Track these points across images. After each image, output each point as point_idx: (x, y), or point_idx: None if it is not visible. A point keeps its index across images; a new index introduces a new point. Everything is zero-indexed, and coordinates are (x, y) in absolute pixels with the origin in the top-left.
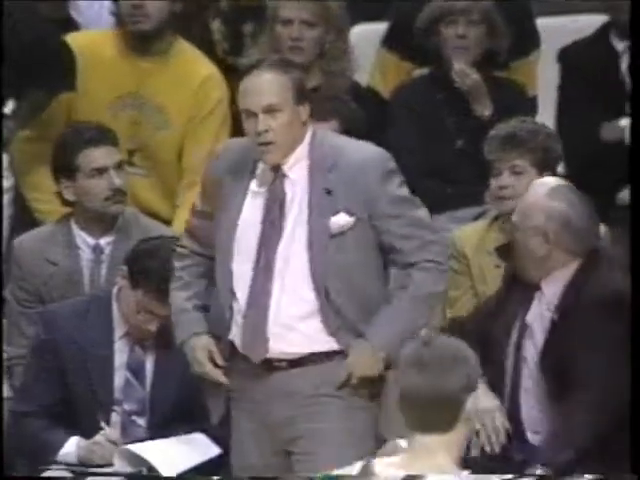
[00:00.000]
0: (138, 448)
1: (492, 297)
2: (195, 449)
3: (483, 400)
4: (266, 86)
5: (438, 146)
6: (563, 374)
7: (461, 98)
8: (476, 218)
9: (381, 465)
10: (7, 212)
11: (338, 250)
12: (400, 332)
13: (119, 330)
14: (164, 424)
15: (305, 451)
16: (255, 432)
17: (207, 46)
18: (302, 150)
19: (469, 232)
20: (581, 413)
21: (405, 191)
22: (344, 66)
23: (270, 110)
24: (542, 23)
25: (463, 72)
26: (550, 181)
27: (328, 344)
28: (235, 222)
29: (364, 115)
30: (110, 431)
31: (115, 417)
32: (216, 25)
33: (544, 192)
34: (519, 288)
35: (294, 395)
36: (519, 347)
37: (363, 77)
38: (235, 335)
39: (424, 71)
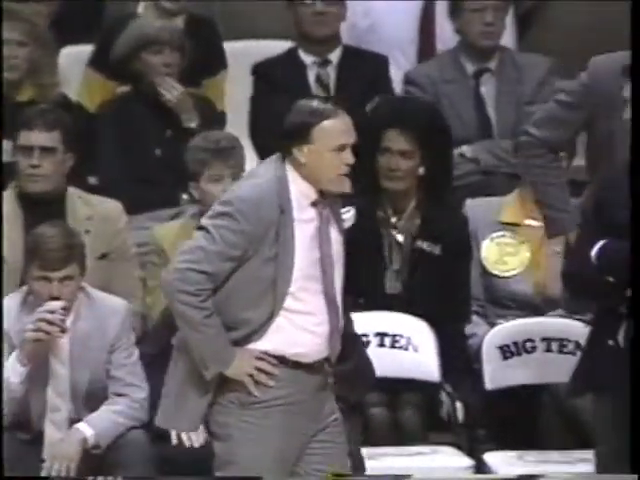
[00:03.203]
0: None
1: None
2: None
3: None
4: (351, 124)
5: (139, 154)
6: None
7: (161, 112)
8: (173, 217)
9: None
10: None
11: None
12: None
13: None
14: None
15: (331, 424)
16: (292, 431)
17: None
18: None
19: (167, 230)
20: None
21: None
22: (53, 79)
23: (353, 146)
24: (229, 46)
25: (172, 86)
26: None
27: None
28: (293, 250)
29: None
30: None
31: None
32: None
33: None
34: None
35: (327, 382)
36: None
37: (72, 94)
38: (307, 347)
39: (127, 88)
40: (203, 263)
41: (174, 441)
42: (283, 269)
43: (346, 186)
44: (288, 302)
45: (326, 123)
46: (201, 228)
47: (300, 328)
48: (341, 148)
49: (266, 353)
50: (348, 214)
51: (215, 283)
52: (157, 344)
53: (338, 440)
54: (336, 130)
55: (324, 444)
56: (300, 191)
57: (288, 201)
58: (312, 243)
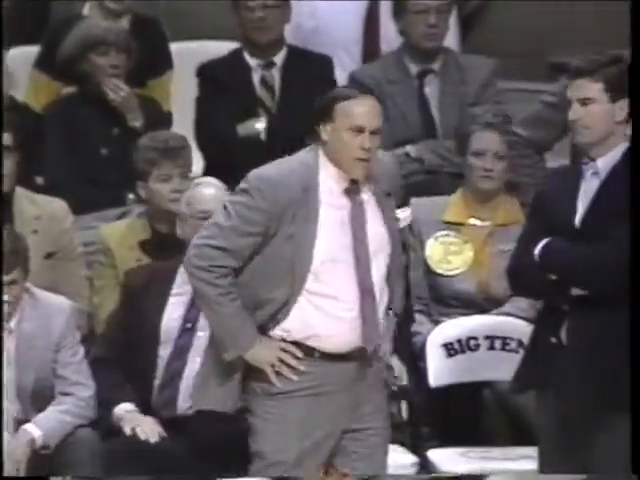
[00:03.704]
0: None
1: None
2: None
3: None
4: (377, 111)
5: (85, 154)
6: None
7: (106, 112)
8: (119, 217)
9: None
10: None
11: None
12: (403, 297)
13: None
14: None
15: (373, 426)
16: (316, 423)
17: None
18: None
19: (114, 229)
20: None
21: None
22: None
23: (375, 132)
24: (175, 47)
25: (117, 86)
26: (203, 179)
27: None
28: (314, 231)
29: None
30: None
31: None
32: None
33: (197, 183)
34: None
35: (365, 378)
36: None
37: (19, 95)
38: (329, 331)
39: (73, 89)
40: (218, 239)
41: (127, 432)
42: (301, 248)
43: (361, 172)
44: (310, 283)
45: (347, 102)
46: (223, 206)
47: (322, 311)
48: (359, 130)
49: (286, 337)
50: (404, 213)
51: (236, 260)
52: (106, 347)
53: (379, 440)
54: (356, 110)
55: (362, 442)
56: (331, 177)
57: (314, 184)
58: (343, 228)
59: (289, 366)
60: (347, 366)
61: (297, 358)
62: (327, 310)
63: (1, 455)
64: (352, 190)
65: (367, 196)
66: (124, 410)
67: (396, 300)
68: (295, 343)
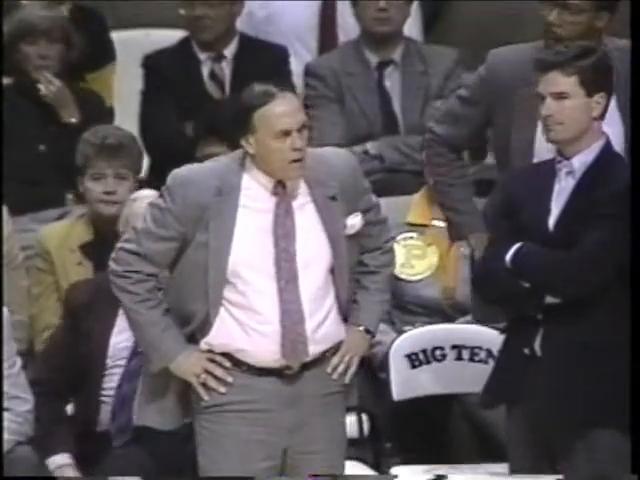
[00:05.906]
0: None
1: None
2: None
3: None
4: (297, 105)
5: (21, 151)
6: None
7: (44, 106)
8: (58, 218)
9: None
10: None
11: (351, 247)
12: (381, 312)
13: None
14: None
15: (320, 449)
16: (251, 440)
17: None
18: None
19: (53, 231)
20: None
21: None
22: None
23: (302, 128)
24: (118, 36)
25: (48, 80)
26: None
27: (341, 336)
28: (230, 237)
29: None
30: None
31: None
32: None
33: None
34: None
35: (307, 397)
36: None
37: None
38: (249, 345)
39: (9, 81)
40: (133, 243)
41: None
42: (216, 256)
43: (297, 172)
44: (228, 294)
45: (265, 108)
46: None
47: (242, 324)
48: (286, 133)
49: (210, 350)
50: (355, 219)
51: (152, 266)
52: (45, 371)
53: (325, 464)
54: (276, 114)
55: (307, 464)
56: (256, 179)
57: (234, 186)
58: (264, 235)
59: (216, 378)
60: (281, 382)
61: (225, 368)
62: (247, 323)
63: (1, 455)
64: (279, 193)
65: (303, 200)
66: (56, 465)
67: (363, 315)
68: (224, 354)
